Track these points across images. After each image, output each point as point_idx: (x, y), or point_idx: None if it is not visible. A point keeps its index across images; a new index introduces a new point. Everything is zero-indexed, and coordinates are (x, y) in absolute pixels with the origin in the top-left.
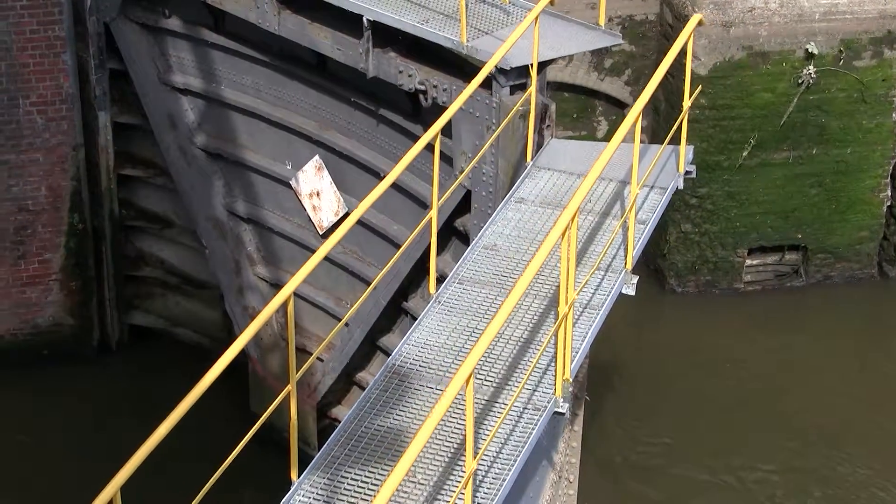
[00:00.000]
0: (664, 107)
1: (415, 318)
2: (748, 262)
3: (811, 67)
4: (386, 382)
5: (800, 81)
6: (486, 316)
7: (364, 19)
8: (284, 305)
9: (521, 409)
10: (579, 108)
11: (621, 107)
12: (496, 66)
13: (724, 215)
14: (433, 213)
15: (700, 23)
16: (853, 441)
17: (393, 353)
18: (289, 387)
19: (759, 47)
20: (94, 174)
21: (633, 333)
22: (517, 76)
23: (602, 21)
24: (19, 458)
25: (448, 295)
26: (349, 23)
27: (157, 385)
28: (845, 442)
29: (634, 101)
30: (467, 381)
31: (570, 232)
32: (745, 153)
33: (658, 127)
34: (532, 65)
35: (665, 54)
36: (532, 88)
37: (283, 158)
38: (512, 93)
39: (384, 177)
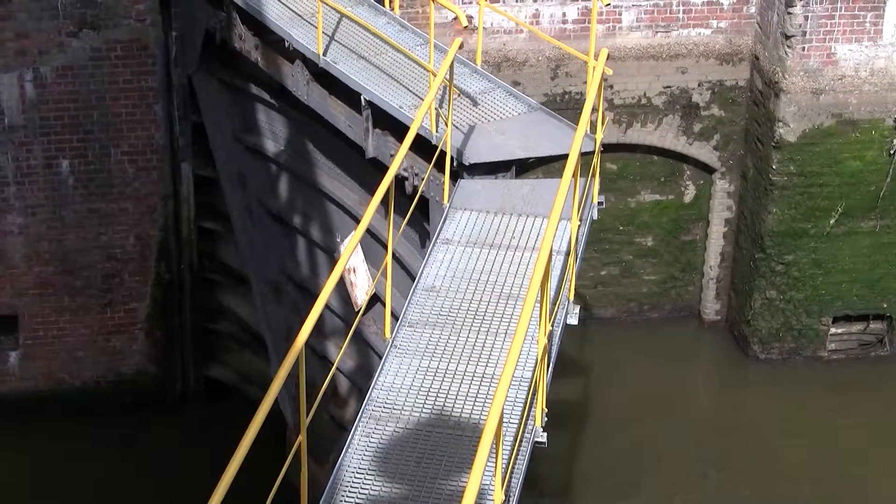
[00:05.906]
0: (752, 173)
1: None
2: (833, 330)
3: None
4: (364, 427)
5: (891, 151)
6: (443, 356)
7: (362, 98)
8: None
9: (508, 443)
10: (667, 171)
11: (709, 171)
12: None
13: (809, 283)
14: (388, 259)
15: (608, 56)
16: None
17: (365, 399)
18: (300, 437)
19: (849, 115)
20: (177, 225)
21: (715, 398)
22: (485, 171)
23: (599, 134)
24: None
25: (401, 338)
26: (357, 101)
27: (223, 441)
28: None
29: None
30: (497, 429)
31: (548, 275)
32: (832, 221)
33: (745, 192)
34: (447, 152)
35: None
36: (445, 178)
37: (334, 230)
38: None
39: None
